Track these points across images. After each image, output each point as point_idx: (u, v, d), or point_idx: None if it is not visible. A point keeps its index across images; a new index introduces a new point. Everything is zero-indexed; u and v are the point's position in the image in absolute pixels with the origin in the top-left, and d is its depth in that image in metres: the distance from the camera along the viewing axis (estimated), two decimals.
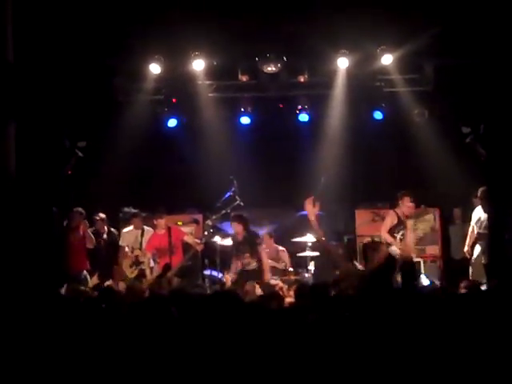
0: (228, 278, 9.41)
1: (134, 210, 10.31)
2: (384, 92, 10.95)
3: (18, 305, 4.77)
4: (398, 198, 9.52)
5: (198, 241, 9.62)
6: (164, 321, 4.09)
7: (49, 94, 9.32)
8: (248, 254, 9.25)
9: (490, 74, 9.62)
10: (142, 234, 10.13)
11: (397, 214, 9.52)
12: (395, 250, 8.86)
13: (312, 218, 7.62)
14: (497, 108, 9.69)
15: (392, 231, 9.44)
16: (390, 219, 9.48)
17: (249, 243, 9.29)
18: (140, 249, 9.97)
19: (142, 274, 9.60)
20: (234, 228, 9.39)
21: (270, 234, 10.54)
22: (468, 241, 9.98)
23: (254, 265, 9.24)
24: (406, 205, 9.39)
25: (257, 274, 9.03)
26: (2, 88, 8.43)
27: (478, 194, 9.80)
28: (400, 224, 9.47)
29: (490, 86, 9.67)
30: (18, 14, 8.68)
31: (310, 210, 7.73)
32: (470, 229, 9.94)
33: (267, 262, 9.32)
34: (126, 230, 10.31)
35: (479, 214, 9.84)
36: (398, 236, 9.49)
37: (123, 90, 10.87)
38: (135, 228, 10.19)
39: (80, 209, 9.88)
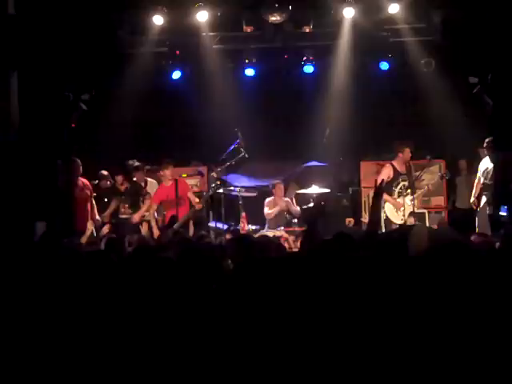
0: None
1: (137, 163, 10.28)
2: (390, 42, 10.78)
3: (22, 258, 4.80)
4: (397, 149, 9.48)
5: (197, 200, 9.64)
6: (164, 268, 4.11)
7: (51, 46, 9.23)
8: (127, 205, 9.68)
9: (498, 23, 9.46)
10: (145, 187, 10.16)
11: (393, 166, 9.47)
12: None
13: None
14: (504, 58, 9.57)
15: (389, 185, 9.41)
16: (385, 174, 9.41)
17: (130, 194, 9.76)
18: (143, 201, 10.00)
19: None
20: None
21: (282, 183, 10.54)
22: (474, 191, 9.95)
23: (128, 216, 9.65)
24: (406, 157, 9.37)
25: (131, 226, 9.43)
26: (4, 40, 8.39)
27: (484, 144, 9.74)
28: (397, 177, 9.44)
29: (498, 36, 9.52)
30: None
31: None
32: (476, 180, 9.90)
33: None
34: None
35: (486, 164, 9.78)
36: (397, 190, 9.46)
37: (127, 42, 10.74)
38: (138, 181, 10.20)
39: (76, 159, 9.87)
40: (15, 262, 4.56)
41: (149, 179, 10.36)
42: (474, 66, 10.33)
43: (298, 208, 10.37)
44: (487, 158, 9.79)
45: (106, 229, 9.59)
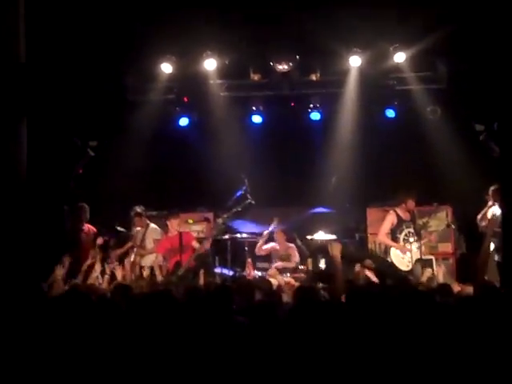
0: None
1: (139, 209, 10.29)
2: (397, 90, 10.91)
3: (30, 303, 4.77)
4: (400, 198, 9.49)
5: (206, 241, 9.61)
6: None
7: (60, 93, 9.37)
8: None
9: (504, 71, 9.52)
10: (145, 232, 10.18)
11: (397, 213, 9.48)
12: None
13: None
14: (511, 105, 9.61)
15: (394, 233, 9.41)
16: (389, 221, 9.46)
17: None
18: (143, 247, 9.98)
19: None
20: None
21: (284, 230, 10.51)
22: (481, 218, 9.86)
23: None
24: (410, 206, 9.37)
25: None
26: (14, 88, 8.49)
27: (490, 192, 9.73)
28: (401, 224, 9.43)
29: (504, 84, 9.58)
30: (29, 14, 8.75)
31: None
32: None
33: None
34: (137, 229, 10.35)
35: (495, 211, 9.75)
36: (401, 237, 9.43)
37: (135, 90, 10.92)
38: (139, 227, 10.22)
39: (84, 204, 9.87)
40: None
41: (151, 224, 10.36)
42: (479, 113, 10.38)
43: (298, 257, 10.31)
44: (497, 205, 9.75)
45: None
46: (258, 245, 10.40)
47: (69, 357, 3.76)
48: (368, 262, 8.13)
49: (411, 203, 9.47)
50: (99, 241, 9.90)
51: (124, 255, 9.91)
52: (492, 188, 9.74)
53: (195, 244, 9.71)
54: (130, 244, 10.15)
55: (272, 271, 9.34)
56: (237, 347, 3.78)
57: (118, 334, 3.94)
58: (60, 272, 7.05)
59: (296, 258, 10.31)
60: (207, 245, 9.56)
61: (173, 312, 4.18)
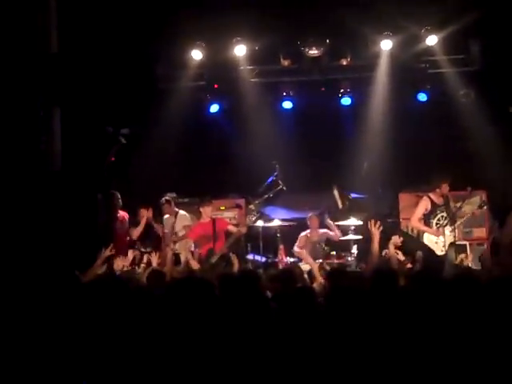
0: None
1: (169, 197, 10.37)
2: (429, 73, 10.77)
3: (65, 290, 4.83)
4: (435, 183, 9.40)
5: (241, 225, 9.61)
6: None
7: (92, 82, 9.43)
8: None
9: None
10: (175, 219, 10.25)
11: (430, 199, 9.40)
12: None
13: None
14: None
15: (427, 218, 9.34)
16: (423, 206, 9.39)
17: None
18: (175, 234, 10.08)
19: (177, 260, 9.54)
20: None
21: (317, 215, 10.48)
22: None
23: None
24: (444, 191, 9.29)
25: None
26: (47, 78, 8.60)
27: None
28: (435, 209, 9.35)
29: None
30: (61, 5, 8.83)
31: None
32: None
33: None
34: (165, 216, 10.44)
35: None
36: (434, 221, 9.36)
37: (165, 77, 10.93)
38: (169, 214, 10.29)
39: (116, 192, 9.98)
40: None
41: (180, 211, 10.43)
42: None
43: (338, 232, 10.27)
44: None
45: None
46: (294, 249, 10.30)
47: (102, 342, 3.81)
48: (395, 239, 7.98)
49: (445, 187, 9.37)
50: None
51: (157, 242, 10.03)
52: None
53: (231, 228, 9.72)
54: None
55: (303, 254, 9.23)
56: (269, 333, 3.80)
57: (153, 320, 3.98)
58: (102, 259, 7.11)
59: (336, 232, 10.23)
60: (244, 229, 9.55)
61: (206, 298, 4.21)
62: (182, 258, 8.92)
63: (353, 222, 10.12)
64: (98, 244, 9.02)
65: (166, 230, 10.30)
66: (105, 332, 3.96)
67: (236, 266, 7.60)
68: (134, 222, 10.38)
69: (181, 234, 10.18)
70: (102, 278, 5.87)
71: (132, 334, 3.93)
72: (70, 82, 8.94)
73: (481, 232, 10.71)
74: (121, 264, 7.46)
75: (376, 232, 6.71)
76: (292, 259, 10.04)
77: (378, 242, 6.69)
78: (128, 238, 10.06)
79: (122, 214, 10.10)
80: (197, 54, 10.54)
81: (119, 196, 9.89)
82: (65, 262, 7.67)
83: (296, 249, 10.23)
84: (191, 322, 3.84)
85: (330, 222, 10.36)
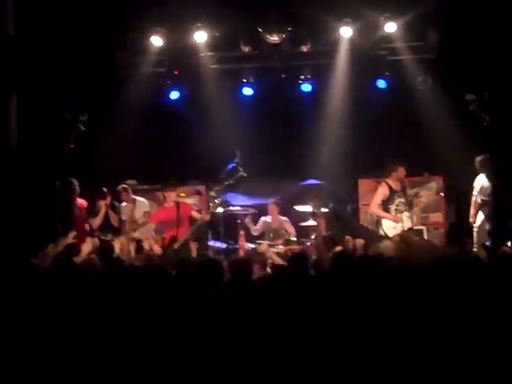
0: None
1: (127, 184, 10.35)
2: (388, 60, 10.85)
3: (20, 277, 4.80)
4: (390, 168, 9.54)
5: (204, 212, 9.64)
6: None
7: (50, 67, 9.31)
8: None
9: (495, 40, 9.51)
10: (134, 207, 10.23)
11: (388, 185, 9.54)
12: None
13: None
14: (501, 75, 9.61)
15: (386, 204, 9.49)
16: (381, 192, 9.55)
17: None
18: (134, 221, 10.05)
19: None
20: None
21: (277, 202, 10.53)
22: (472, 209, 9.97)
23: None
24: (400, 174, 9.42)
25: None
26: (3, 62, 8.47)
27: (477, 162, 9.80)
28: (393, 195, 9.50)
29: (494, 53, 9.57)
30: None
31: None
32: (473, 198, 9.93)
33: None
34: (123, 204, 10.43)
35: (482, 181, 9.82)
36: (393, 207, 9.50)
37: (125, 63, 10.82)
38: (126, 201, 10.26)
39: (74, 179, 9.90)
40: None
41: (138, 198, 10.40)
42: (470, 83, 10.38)
43: (293, 229, 10.37)
44: (482, 174, 9.83)
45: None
46: (251, 228, 10.39)
47: (56, 331, 3.81)
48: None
49: (401, 171, 9.52)
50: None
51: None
52: (478, 158, 9.82)
53: (195, 214, 9.73)
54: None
55: (264, 246, 9.32)
56: (223, 324, 3.81)
57: (108, 308, 3.98)
58: (56, 249, 7.04)
59: (292, 230, 10.34)
60: (207, 216, 9.56)
61: (163, 287, 4.22)
62: (145, 245, 8.88)
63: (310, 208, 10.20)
64: (57, 231, 9.01)
65: (124, 218, 10.28)
66: (59, 320, 3.95)
67: (194, 253, 7.63)
68: (94, 211, 10.35)
69: (141, 221, 10.16)
70: (58, 265, 5.84)
71: (86, 321, 3.94)
72: (27, 67, 8.83)
73: (437, 217, 10.92)
74: (79, 252, 7.41)
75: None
76: (253, 245, 10.09)
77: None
78: (87, 227, 10.00)
79: (81, 201, 10.04)
80: (157, 41, 10.46)
81: (77, 183, 9.82)
82: (21, 249, 7.59)
83: (255, 230, 10.31)
84: (144, 310, 3.86)
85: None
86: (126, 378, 3.56)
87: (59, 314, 4.02)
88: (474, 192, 9.91)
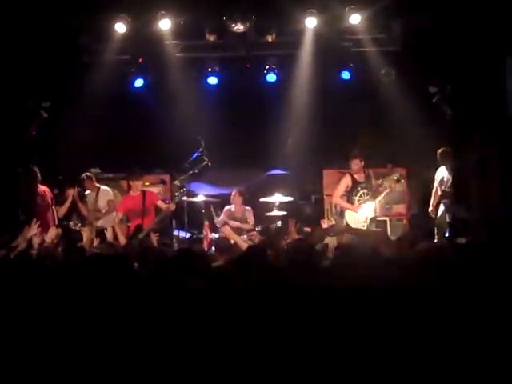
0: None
1: (92, 172, 10.27)
2: (352, 52, 10.89)
3: None
4: (348, 160, 9.62)
5: (170, 202, 9.62)
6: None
7: (12, 53, 9.16)
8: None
9: (458, 34, 9.65)
10: (97, 195, 10.16)
11: (352, 176, 9.62)
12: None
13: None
14: (464, 68, 9.76)
15: (349, 195, 9.57)
16: (344, 183, 9.63)
17: None
18: (98, 210, 9.99)
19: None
20: None
21: (241, 192, 10.52)
22: (432, 201, 10.13)
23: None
24: (355, 167, 9.52)
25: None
26: None
27: (438, 155, 9.95)
28: (356, 186, 9.58)
29: (457, 47, 9.71)
30: None
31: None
32: (434, 189, 10.09)
33: None
34: (87, 192, 10.33)
35: (442, 173, 9.99)
36: (356, 198, 9.60)
37: (88, 50, 10.67)
38: (90, 190, 10.20)
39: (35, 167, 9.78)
40: None
41: (102, 187, 10.33)
42: (433, 75, 10.51)
43: (253, 219, 10.39)
44: (443, 167, 9.98)
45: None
46: (215, 219, 10.37)
47: (14, 321, 3.76)
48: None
49: (356, 163, 9.57)
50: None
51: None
52: (439, 151, 9.97)
53: (161, 204, 9.70)
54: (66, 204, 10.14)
55: (227, 231, 9.25)
56: (190, 313, 3.80)
57: (68, 297, 3.94)
58: (27, 235, 6.94)
59: (252, 220, 10.37)
60: (173, 206, 9.54)
61: (125, 276, 4.19)
62: (108, 234, 8.83)
63: (277, 198, 10.26)
64: (19, 220, 8.89)
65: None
66: (17, 310, 3.91)
67: (154, 242, 7.61)
68: (60, 199, 10.23)
69: (104, 210, 10.09)
70: (18, 254, 5.78)
71: (46, 311, 3.89)
72: None
73: (400, 208, 11.06)
74: (41, 240, 7.32)
75: None
76: (217, 235, 10.10)
77: None
78: (50, 215, 9.88)
79: (43, 188, 9.89)
80: (120, 27, 10.32)
81: (38, 171, 9.69)
82: None
83: (219, 222, 10.28)
84: (105, 300, 3.83)
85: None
86: (85, 367, 3.52)
87: (15, 304, 3.97)
88: (435, 184, 10.06)
